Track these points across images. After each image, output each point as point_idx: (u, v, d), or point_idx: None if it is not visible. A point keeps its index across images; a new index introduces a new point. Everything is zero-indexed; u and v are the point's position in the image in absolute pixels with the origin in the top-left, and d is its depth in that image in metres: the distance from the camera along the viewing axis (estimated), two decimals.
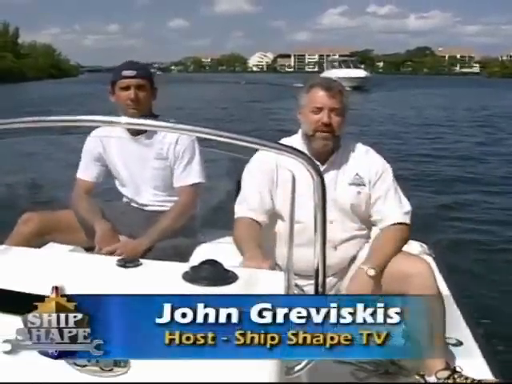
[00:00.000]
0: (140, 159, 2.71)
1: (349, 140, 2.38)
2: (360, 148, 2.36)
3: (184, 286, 1.24)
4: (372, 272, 2.08)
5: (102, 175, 2.83)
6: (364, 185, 2.27)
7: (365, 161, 2.31)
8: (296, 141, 2.33)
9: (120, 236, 2.66)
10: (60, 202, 2.89)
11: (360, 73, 44.96)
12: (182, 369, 1.10)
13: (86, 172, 2.81)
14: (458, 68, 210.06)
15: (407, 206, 2.31)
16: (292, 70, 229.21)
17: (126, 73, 2.63)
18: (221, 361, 1.08)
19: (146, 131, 2.67)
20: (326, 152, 2.28)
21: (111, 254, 2.49)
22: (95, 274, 1.33)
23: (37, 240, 2.59)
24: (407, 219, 2.28)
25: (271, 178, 2.27)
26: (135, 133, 2.70)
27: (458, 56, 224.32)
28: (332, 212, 2.11)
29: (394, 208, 2.27)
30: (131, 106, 2.61)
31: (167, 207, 2.73)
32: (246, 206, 2.25)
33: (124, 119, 1.58)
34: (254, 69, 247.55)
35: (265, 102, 28.93)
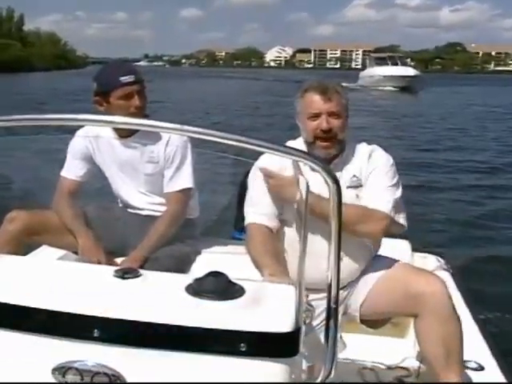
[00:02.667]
0: (132, 164, 2.67)
1: (353, 142, 2.33)
2: (364, 149, 2.31)
3: (188, 300, 1.23)
4: None
5: (87, 175, 2.77)
6: (361, 186, 2.23)
7: (365, 160, 2.26)
8: (299, 145, 2.30)
9: (107, 244, 2.63)
10: (47, 203, 2.83)
11: (409, 71, 41.47)
12: (182, 368, 1.13)
13: (71, 170, 2.75)
14: (491, 66, 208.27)
15: (402, 214, 2.22)
16: (312, 66, 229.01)
17: (126, 79, 2.53)
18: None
19: (135, 133, 2.64)
20: (330, 157, 2.23)
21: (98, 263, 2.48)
22: (91, 286, 1.31)
23: (24, 239, 2.57)
24: (386, 208, 2.14)
25: None
26: (124, 135, 2.64)
27: (493, 53, 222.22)
28: None
29: (374, 197, 2.17)
30: (136, 114, 2.52)
31: (162, 211, 2.70)
32: (258, 211, 2.24)
33: (125, 119, 1.56)
34: (272, 64, 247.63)
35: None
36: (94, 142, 2.72)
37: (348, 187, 2.20)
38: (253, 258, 2.16)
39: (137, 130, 2.59)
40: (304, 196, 1.32)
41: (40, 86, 37.25)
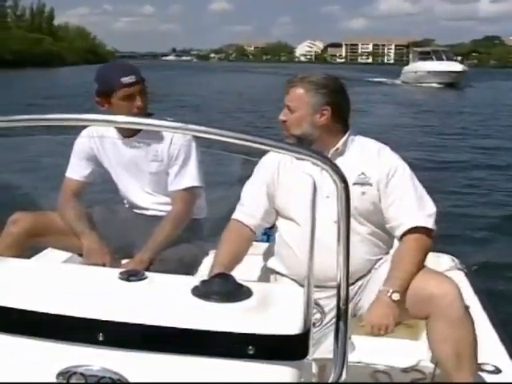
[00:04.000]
0: (136, 163, 2.67)
1: (357, 138, 2.29)
2: (371, 147, 2.28)
3: (194, 302, 1.24)
4: (396, 296, 2.00)
5: (92, 176, 2.76)
6: (370, 184, 2.18)
7: (375, 160, 2.22)
8: None
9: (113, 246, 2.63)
10: (51, 204, 2.83)
11: (455, 66, 39.60)
12: (189, 372, 1.14)
13: (76, 171, 2.75)
14: None
15: (430, 207, 2.18)
16: (343, 60, 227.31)
17: (127, 80, 2.54)
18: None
19: (138, 133, 2.65)
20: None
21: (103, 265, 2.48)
22: (96, 289, 1.30)
23: (28, 242, 2.57)
24: (429, 223, 2.15)
25: (271, 179, 2.29)
26: (127, 135, 2.65)
27: None
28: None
29: (412, 210, 2.15)
30: (139, 114, 2.52)
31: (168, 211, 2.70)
32: (242, 209, 2.31)
33: (129, 119, 1.54)
34: (302, 59, 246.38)
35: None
36: (98, 142, 2.72)
37: (354, 184, 2.15)
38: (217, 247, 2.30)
39: (140, 130, 2.59)
40: (311, 194, 1.30)
41: (76, 82, 37.55)
